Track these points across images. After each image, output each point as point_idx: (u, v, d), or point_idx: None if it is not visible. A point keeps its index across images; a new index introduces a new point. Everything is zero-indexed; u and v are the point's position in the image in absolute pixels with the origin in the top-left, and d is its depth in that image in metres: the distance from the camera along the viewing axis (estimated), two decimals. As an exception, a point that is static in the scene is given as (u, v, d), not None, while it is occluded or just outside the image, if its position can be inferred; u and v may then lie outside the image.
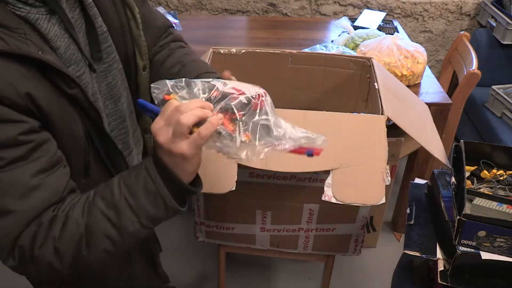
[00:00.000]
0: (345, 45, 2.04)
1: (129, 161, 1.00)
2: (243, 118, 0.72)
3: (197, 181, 0.77)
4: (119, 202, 0.72)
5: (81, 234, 0.71)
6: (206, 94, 0.73)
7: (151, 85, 0.74)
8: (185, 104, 0.69)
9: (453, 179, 1.23)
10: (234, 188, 1.14)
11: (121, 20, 0.90)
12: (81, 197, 0.74)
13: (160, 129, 0.69)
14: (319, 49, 1.86)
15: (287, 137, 0.74)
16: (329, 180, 1.14)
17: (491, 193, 1.21)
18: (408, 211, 1.35)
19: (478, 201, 1.16)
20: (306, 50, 1.82)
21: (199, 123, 0.69)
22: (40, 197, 0.70)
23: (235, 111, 0.71)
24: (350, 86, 1.58)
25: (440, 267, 1.18)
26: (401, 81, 1.79)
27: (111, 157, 0.90)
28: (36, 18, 0.72)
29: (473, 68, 1.85)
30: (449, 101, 1.85)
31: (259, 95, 0.74)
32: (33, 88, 0.69)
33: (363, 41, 2.01)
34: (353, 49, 2.01)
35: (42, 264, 0.71)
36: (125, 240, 0.74)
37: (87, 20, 0.82)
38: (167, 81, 0.74)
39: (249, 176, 1.33)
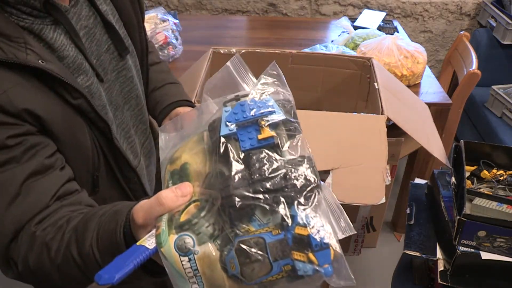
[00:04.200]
0: (345, 45, 2.04)
1: (141, 176, 0.95)
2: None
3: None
4: (88, 254, 0.63)
5: (54, 267, 0.66)
6: None
7: None
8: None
9: (453, 179, 1.23)
10: None
11: (137, 19, 0.92)
12: (61, 223, 0.66)
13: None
14: (319, 49, 1.85)
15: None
16: (329, 180, 1.14)
17: (491, 193, 1.21)
18: (408, 211, 1.35)
19: (478, 201, 1.16)
20: (306, 50, 1.82)
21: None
22: (25, 205, 0.66)
23: None
24: (350, 86, 1.58)
25: (440, 267, 1.17)
26: (401, 81, 1.79)
27: (123, 172, 0.86)
28: (41, 28, 0.72)
29: (473, 68, 1.85)
30: (449, 101, 1.85)
31: None
32: (29, 96, 0.68)
33: (363, 41, 2.01)
34: (353, 49, 2.01)
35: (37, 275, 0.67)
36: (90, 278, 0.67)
37: (107, 26, 0.83)
38: None
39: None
